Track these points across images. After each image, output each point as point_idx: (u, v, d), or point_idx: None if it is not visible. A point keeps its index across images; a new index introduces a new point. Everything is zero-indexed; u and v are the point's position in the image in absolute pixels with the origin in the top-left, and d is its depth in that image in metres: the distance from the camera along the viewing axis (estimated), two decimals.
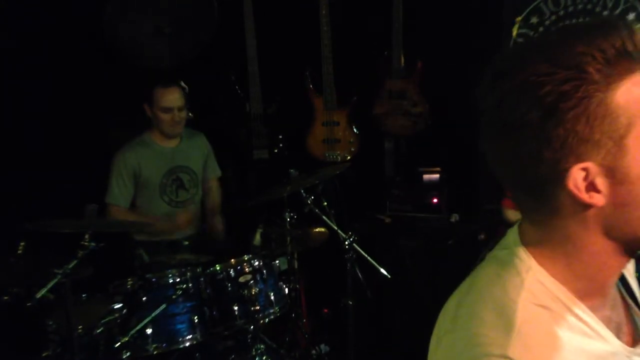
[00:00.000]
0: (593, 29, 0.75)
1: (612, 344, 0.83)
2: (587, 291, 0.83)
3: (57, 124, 3.57)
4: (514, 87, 0.76)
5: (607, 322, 0.85)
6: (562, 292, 0.82)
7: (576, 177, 0.75)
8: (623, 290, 0.94)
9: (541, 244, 0.84)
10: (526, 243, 0.85)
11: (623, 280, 0.94)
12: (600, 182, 0.75)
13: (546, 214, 0.81)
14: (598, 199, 0.76)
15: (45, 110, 3.56)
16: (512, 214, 2.49)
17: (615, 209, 0.77)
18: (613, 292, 0.90)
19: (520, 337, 0.76)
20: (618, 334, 0.86)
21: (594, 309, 0.83)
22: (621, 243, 0.81)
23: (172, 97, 3.19)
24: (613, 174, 0.75)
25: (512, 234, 0.89)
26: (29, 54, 3.51)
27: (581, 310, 0.82)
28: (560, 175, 0.76)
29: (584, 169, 0.75)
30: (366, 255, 2.88)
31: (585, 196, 0.76)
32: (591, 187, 0.76)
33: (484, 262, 0.91)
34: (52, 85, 3.55)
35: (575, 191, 0.76)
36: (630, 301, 0.93)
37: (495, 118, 0.79)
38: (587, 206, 0.77)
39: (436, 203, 3.69)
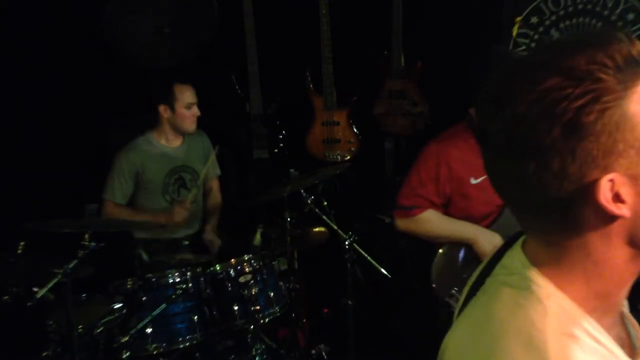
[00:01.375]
0: (594, 38, 0.74)
1: None
2: (604, 310, 0.81)
3: (57, 124, 3.57)
4: (526, 106, 0.73)
5: (617, 338, 0.84)
6: (583, 316, 0.79)
7: (605, 190, 0.73)
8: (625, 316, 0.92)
9: (557, 265, 0.80)
10: (539, 265, 0.81)
11: None
12: (625, 191, 0.73)
13: (564, 233, 0.78)
14: (625, 210, 0.74)
15: (45, 110, 3.56)
16: (410, 222, 2.50)
17: (638, 217, 0.75)
18: None
19: None
20: (622, 347, 0.83)
21: (608, 328, 0.81)
22: (634, 260, 0.79)
23: (192, 93, 3.23)
24: (636, 182, 0.73)
25: (517, 256, 0.85)
26: (29, 54, 3.51)
27: (601, 335, 0.79)
28: (586, 190, 0.73)
29: (610, 181, 0.73)
30: (366, 255, 2.88)
31: (613, 208, 0.74)
32: (616, 198, 0.74)
33: (491, 290, 0.86)
34: (52, 85, 3.55)
35: (605, 204, 0.73)
36: (625, 310, 0.92)
37: (508, 142, 0.75)
38: (612, 219, 0.75)
39: None
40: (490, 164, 0.80)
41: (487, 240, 2.38)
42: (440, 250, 2.50)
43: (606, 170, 0.72)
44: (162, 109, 3.20)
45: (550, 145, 0.72)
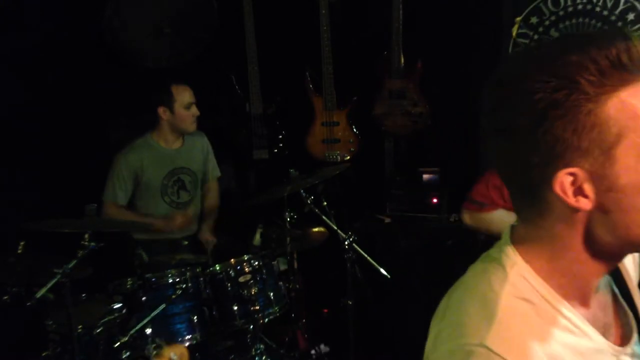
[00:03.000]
0: (589, 40, 0.77)
1: (596, 341, 0.85)
2: (571, 289, 0.86)
3: (57, 124, 3.57)
4: (508, 93, 0.80)
5: (593, 320, 0.87)
6: (545, 288, 0.84)
7: (563, 181, 0.78)
8: (617, 291, 0.95)
9: (529, 242, 0.87)
10: (515, 241, 0.89)
11: (618, 279, 0.96)
12: (588, 187, 0.78)
13: (536, 213, 0.84)
14: (584, 203, 0.79)
15: (45, 110, 3.56)
16: (475, 217, 2.54)
17: (601, 215, 0.79)
18: (602, 294, 0.91)
19: (500, 327, 0.80)
20: (605, 333, 0.87)
21: (576, 307, 0.86)
22: (604, 248, 0.83)
23: (190, 93, 3.23)
24: (601, 181, 0.77)
25: (505, 234, 0.92)
26: (29, 54, 3.51)
27: (564, 307, 0.84)
28: (548, 179, 0.79)
29: (572, 174, 0.77)
30: (366, 255, 2.88)
31: (572, 200, 0.79)
32: (579, 191, 0.78)
33: (475, 263, 0.94)
34: (53, 85, 3.55)
35: (561, 194, 0.79)
36: (622, 301, 0.95)
37: (491, 122, 0.83)
38: (575, 209, 0.80)
39: (436, 203, 3.68)
40: (485, 143, 0.86)
41: None
42: None
43: (567, 164, 0.77)
44: (161, 110, 3.20)
45: (518, 131, 0.79)
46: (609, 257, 0.85)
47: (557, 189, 0.78)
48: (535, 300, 0.83)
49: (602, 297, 0.91)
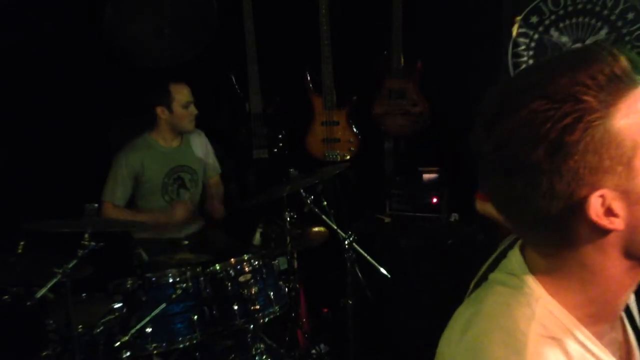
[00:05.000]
0: (577, 60, 0.76)
1: None
2: (600, 315, 0.83)
3: (57, 124, 3.57)
4: (512, 128, 0.76)
5: (612, 344, 0.86)
6: (573, 323, 0.81)
7: (595, 205, 0.75)
8: (624, 317, 0.94)
9: (553, 274, 0.83)
10: (535, 272, 0.84)
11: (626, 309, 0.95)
12: (617, 206, 0.76)
13: (559, 246, 0.81)
14: (618, 223, 0.76)
15: (45, 110, 3.56)
16: (489, 206, 2.57)
17: (633, 229, 0.77)
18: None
19: None
20: (615, 353, 0.86)
21: (601, 334, 0.83)
22: (631, 270, 0.81)
23: (188, 92, 3.24)
24: (628, 196, 0.75)
25: (516, 259, 0.88)
26: (29, 54, 3.51)
27: (587, 339, 0.81)
28: (576, 207, 0.76)
29: (601, 196, 0.75)
30: (366, 255, 2.88)
31: (606, 222, 0.76)
32: (609, 212, 0.76)
33: (489, 286, 0.89)
34: (53, 85, 3.55)
35: (596, 219, 0.76)
36: (628, 329, 0.93)
37: (497, 162, 0.79)
38: (605, 232, 0.77)
39: (436, 203, 3.68)
40: (485, 183, 0.83)
41: None
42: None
43: (595, 186, 0.74)
44: (160, 110, 3.20)
45: (536, 165, 0.74)
46: (636, 277, 0.83)
47: (592, 214, 0.75)
48: (562, 337, 0.80)
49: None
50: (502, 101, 0.79)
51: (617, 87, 0.74)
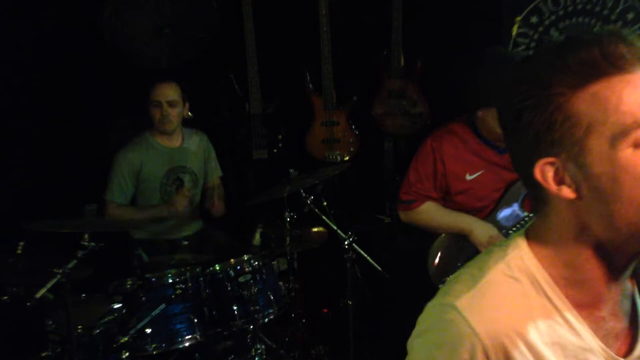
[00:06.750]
0: (563, 45, 0.84)
1: (585, 340, 0.87)
2: (575, 283, 0.88)
3: (57, 124, 3.57)
4: (503, 98, 0.90)
5: (594, 320, 0.88)
6: (540, 273, 0.88)
7: (544, 170, 0.84)
8: (639, 302, 0.95)
9: (538, 231, 0.91)
10: (528, 231, 0.94)
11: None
12: (569, 176, 0.83)
13: (540, 205, 0.90)
14: (567, 192, 0.84)
15: (45, 110, 3.56)
16: (412, 215, 2.61)
17: (586, 205, 0.83)
18: (622, 302, 0.92)
19: (475, 294, 0.87)
20: (606, 337, 0.88)
21: (579, 306, 0.87)
22: (599, 243, 0.85)
23: (161, 92, 3.16)
24: (579, 170, 0.82)
25: (518, 232, 0.97)
26: (29, 53, 3.51)
27: (556, 295, 0.87)
28: (532, 170, 0.85)
29: (551, 164, 0.83)
30: (366, 255, 2.88)
31: (553, 188, 0.84)
32: (562, 181, 0.84)
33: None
34: (53, 85, 3.55)
35: (541, 181, 0.85)
36: None
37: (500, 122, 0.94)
38: (564, 201, 0.84)
39: None
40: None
41: (483, 231, 2.43)
42: (439, 238, 2.55)
43: (543, 154, 0.84)
44: (150, 109, 3.21)
45: (508, 129, 0.89)
46: (608, 255, 0.85)
47: (538, 176, 0.85)
48: (524, 280, 0.88)
49: (619, 305, 0.91)
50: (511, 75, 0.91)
51: (590, 71, 0.80)
